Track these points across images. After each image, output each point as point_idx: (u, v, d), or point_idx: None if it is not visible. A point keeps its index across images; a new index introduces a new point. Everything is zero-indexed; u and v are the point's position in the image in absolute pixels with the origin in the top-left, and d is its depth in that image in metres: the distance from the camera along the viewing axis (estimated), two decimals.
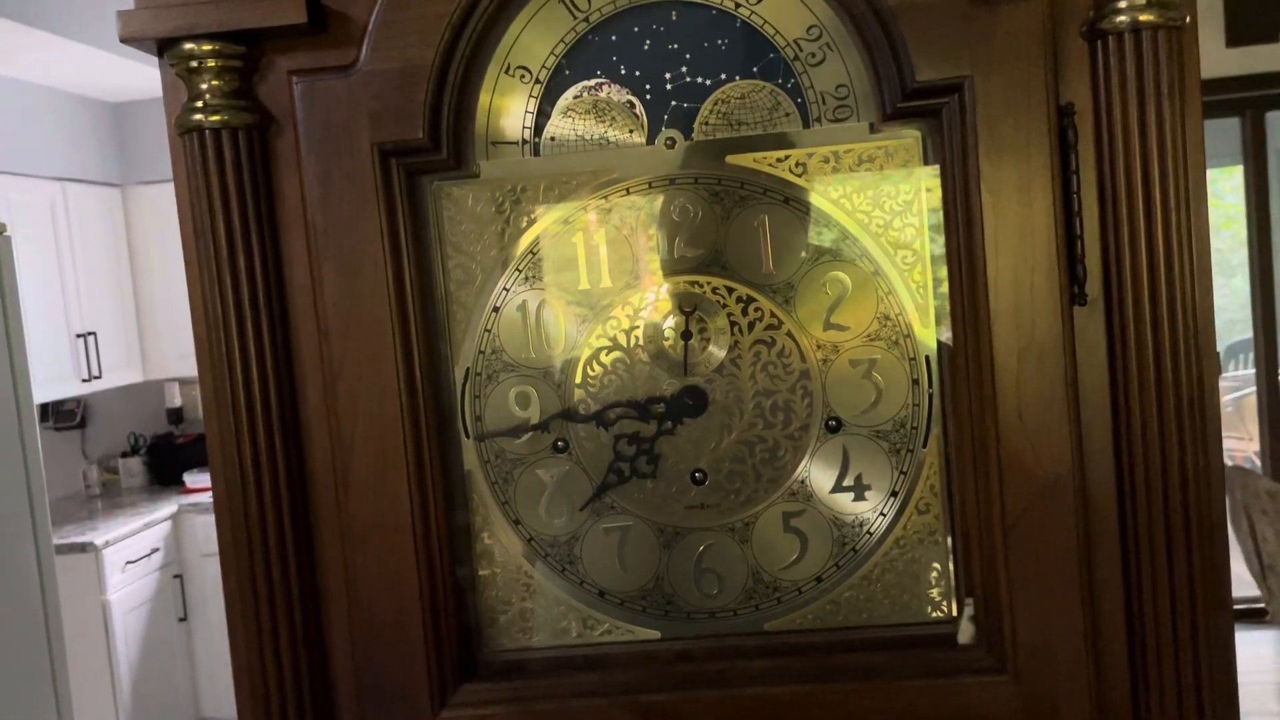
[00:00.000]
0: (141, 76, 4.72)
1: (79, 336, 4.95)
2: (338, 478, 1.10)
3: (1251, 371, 5.55)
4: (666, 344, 1.14)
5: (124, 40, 1.03)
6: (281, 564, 1.09)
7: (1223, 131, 5.07)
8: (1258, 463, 5.48)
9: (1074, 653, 1.05)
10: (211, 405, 1.09)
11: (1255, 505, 3.53)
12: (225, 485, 1.09)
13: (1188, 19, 1.00)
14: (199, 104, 1.05)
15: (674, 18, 1.11)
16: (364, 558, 1.10)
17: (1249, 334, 5.45)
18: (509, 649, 1.17)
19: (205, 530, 4.99)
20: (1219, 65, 4.76)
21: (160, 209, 5.27)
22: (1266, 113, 5.01)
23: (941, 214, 1.09)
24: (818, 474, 1.14)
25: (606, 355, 1.14)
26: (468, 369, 1.15)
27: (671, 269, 1.13)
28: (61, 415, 5.36)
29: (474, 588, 1.17)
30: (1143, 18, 0.98)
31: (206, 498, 5.06)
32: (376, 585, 1.10)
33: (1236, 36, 4.79)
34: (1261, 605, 3.86)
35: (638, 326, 1.14)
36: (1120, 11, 0.98)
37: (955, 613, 1.13)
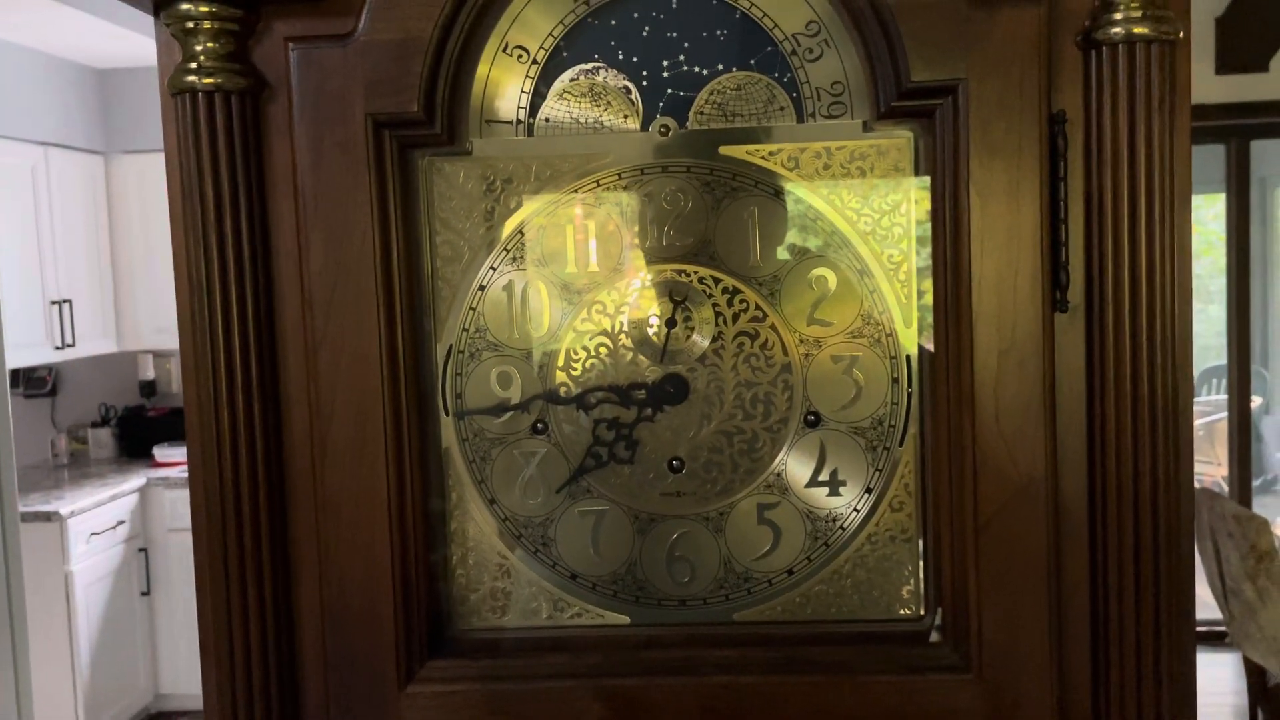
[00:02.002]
0: (129, 43, 4.68)
1: (54, 303, 4.91)
2: (315, 447, 1.10)
3: (1223, 397, 5.62)
4: (651, 331, 1.14)
5: None
6: (254, 532, 1.08)
7: (1207, 158, 5.12)
8: (1225, 487, 5.54)
9: (1039, 654, 1.06)
10: (191, 369, 1.09)
11: (1221, 528, 3.57)
12: (201, 450, 1.08)
13: (1181, 34, 1.01)
14: (193, 65, 1.04)
15: (674, 6, 1.11)
16: (337, 529, 1.10)
17: (1223, 360, 5.52)
18: (478, 628, 1.17)
19: (172, 505, 4.96)
20: (1207, 92, 4.82)
21: (143, 179, 5.24)
22: (1251, 141, 5.07)
23: (929, 219, 1.10)
24: (794, 467, 1.14)
25: (590, 339, 1.14)
26: (450, 346, 1.15)
27: (660, 256, 1.13)
28: (32, 382, 5.31)
29: (446, 565, 1.17)
30: (1137, 30, 0.99)
31: (175, 472, 5.03)
32: (349, 557, 1.10)
33: (1226, 64, 4.85)
34: (1223, 629, 3.91)
35: (623, 312, 1.14)
36: (1116, 23, 0.99)
37: (924, 610, 1.14)
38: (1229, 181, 5.14)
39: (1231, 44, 4.83)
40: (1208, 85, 4.83)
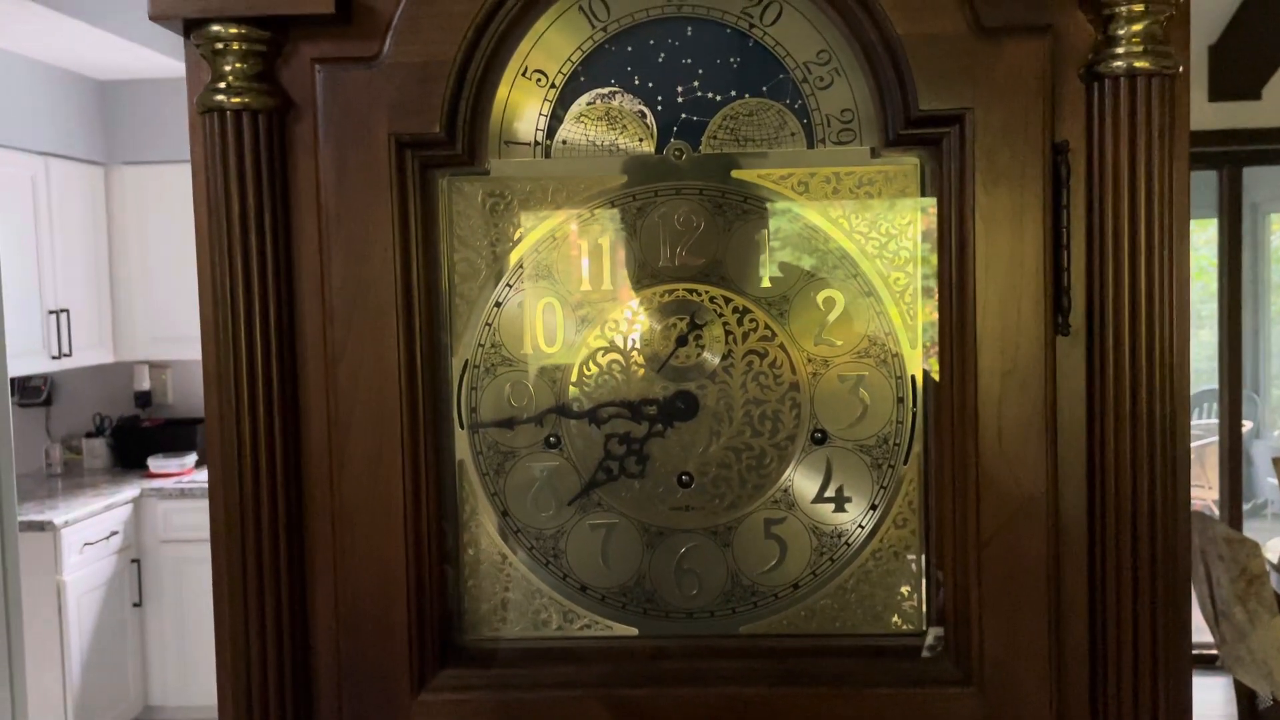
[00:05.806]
0: (130, 55, 4.71)
1: (51, 313, 4.92)
2: (333, 459, 1.12)
3: (1214, 421, 5.66)
4: (662, 349, 1.17)
5: (153, 19, 1.05)
6: (272, 541, 1.10)
7: (1199, 185, 5.18)
8: (1216, 511, 5.58)
9: (1038, 670, 1.08)
10: (213, 381, 1.11)
11: (1212, 551, 3.60)
12: (222, 461, 1.11)
13: (1180, 68, 1.05)
14: (221, 85, 1.07)
15: (689, 33, 1.14)
16: (353, 539, 1.12)
17: (1214, 385, 5.57)
18: (489, 637, 1.19)
19: (166, 515, 4.95)
20: (1199, 119, 4.86)
21: (142, 190, 5.25)
22: (1244, 168, 5.12)
23: (934, 243, 1.13)
24: (801, 483, 1.17)
25: (603, 356, 1.17)
26: (466, 360, 1.18)
27: (672, 276, 1.16)
28: (28, 391, 5.31)
29: (459, 575, 1.20)
30: (1138, 64, 1.02)
31: (170, 483, 5.03)
32: (364, 566, 1.12)
33: (1219, 91, 4.91)
34: (1214, 652, 3.94)
35: (635, 330, 1.17)
36: (1118, 57, 1.03)
37: (926, 625, 1.17)
38: (1221, 207, 5.20)
39: (1224, 72, 4.90)
40: (1201, 112, 4.89)
